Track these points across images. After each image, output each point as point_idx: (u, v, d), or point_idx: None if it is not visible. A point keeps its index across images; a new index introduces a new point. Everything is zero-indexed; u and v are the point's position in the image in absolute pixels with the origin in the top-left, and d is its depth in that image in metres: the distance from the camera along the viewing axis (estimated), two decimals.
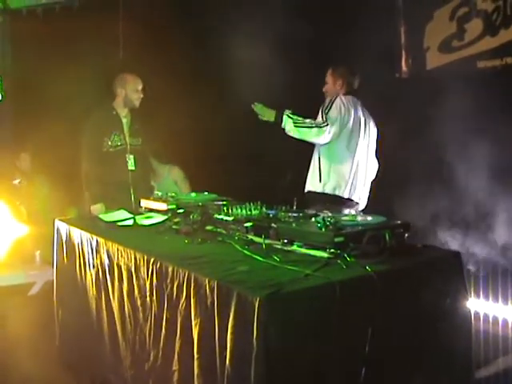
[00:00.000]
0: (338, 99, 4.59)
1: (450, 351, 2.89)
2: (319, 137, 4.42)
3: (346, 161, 4.61)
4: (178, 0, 6.70)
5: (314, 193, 4.68)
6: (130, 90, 5.30)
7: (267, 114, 4.51)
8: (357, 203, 4.71)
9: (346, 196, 4.63)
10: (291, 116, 4.42)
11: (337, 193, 4.60)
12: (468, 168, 4.65)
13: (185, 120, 6.41)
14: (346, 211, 4.42)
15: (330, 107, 4.52)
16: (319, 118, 4.50)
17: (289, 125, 4.40)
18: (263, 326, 2.25)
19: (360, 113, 4.68)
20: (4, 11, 7.49)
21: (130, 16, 7.01)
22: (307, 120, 4.44)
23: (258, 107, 4.52)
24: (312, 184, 4.69)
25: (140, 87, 5.33)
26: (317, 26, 5.42)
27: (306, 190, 4.78)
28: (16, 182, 7.36)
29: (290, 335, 2.32)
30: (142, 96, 5.35)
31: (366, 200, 4.80)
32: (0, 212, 6.23)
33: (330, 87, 4.77)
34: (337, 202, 4.58)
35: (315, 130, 4.38)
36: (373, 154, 4.82)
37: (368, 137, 4.73)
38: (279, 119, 4.43)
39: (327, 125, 4.41)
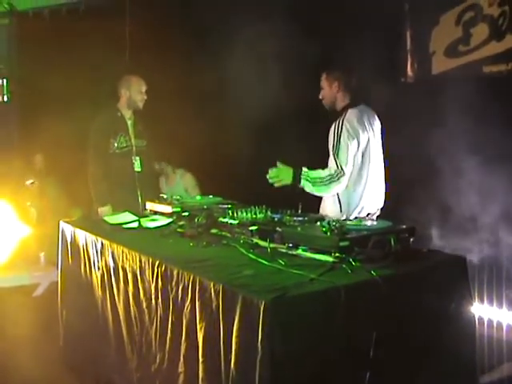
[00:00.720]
0: (344, 126, 4.32)
1: (455, 356, 2.88)
2: (339, 187, 4.28)
3: (362, 183, 4.46)
4: (184, 3, 6.71)
5: None
6: (134, 92, 5.31)
7: (284, 176, 4.19)
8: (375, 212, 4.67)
9: (369, 212, 4.52)
10: (309, 178, 4.20)
11: (359, 215, 4.44)
12: (474, 172, 4.65)
13: (190, 123, 6.41)
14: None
15: (338, 146, 4.26)
16: (332, 164, 4.28)
17: (308, 187, 4.23)
18: (268, 330, 2.25)
19: (366, 121, 4.47)
20: (11, 13, 7.52)
21: (137, 18, 7.03)
22: (323, 175, 4.22)
23: (273, 173, 4.21)
24: (332, 211, 4.49)
25: (144, 89, 5.34)
26: (322, 30, 5.43)
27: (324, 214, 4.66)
28: (29, 182, 7.38)
29: (295, 339, 2.32)
30: (145, 98, 5.36)
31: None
32: (6, 213, 6.25)
33: (327, 92, 4.57)
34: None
35: (334, 184, 4.21)
36: (380, 151, 4.76)
37: (376, 138, 4.60)
38: (297, 182, 4.20)
39: (343, 174, 4.22)
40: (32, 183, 7.39)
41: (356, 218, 4.20)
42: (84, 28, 6.96)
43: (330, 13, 5.49)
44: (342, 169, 4.20)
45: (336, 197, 4.42)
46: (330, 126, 4.40)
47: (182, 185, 6.71)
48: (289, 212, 3.53)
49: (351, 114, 4.38)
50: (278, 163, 4.18)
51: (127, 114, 5.39)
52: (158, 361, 3.05)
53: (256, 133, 5.86)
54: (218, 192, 4.54)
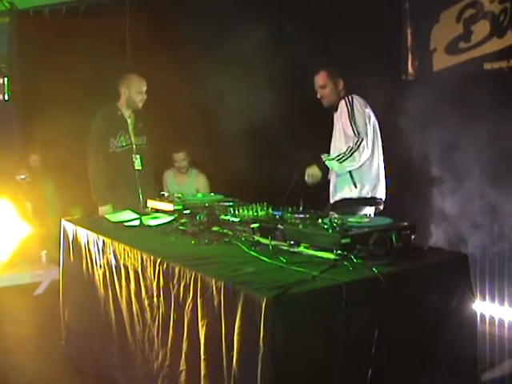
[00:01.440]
0: (354, 100, 4.55)
1: (456, 353, 2.89)
2: (361, 155, 4.41)
3: (373, 163, 4.62)
4: (185, 1, 6.70)
5: (350, 199, 4.64)
6: (134, 91, 5.30)
7: (313, 172, 4.51)
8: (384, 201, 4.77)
9: (379, 196, 4.68)
10: (332, 158, 4.42)
11: (373, 195, 4.65)
12: (476, 168, 4.65)
13: (191, 122, 6.42)
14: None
15: (353, 115, 4.47)
16: (349, 131, 4.45)
17: (336, 166, 4.42)
18: (270, 327, 2.25)
19: (369, 108, 4.66)
20: (11, 12, 7.52)
21: (137, 17, 7.02)
22: (343, 150, 4.42)
23: (306, 176, 4.52)
24: (346, 192, 4.65)
25: (144, 89, 5.33)
26: (322, 28, 5.43)
27: (337, 199, 4.76)
28: (21, 177, 7.38)
29: (297, 336, 2.32)
30: (145, 97, 5.35)
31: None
32: (6, 211, 6.26)
33: (330, 90, 4.65)
34: (373, 204, 4.64)
35: (356, 153, 4.36)
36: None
37: (378, 131, 4.73)
38: (325, 168, 4.48)
39: (362, 140, 4.38)
40: (24, 178, 7.39)
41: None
42: (84, 27, 6.95)
43: (330, 11, 5.48)
44: (359, 135, 4.37)
45: (348, 175, 4.56)
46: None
47: (195, 185, 6.71)
48: (290, 209, 3.52)
49: (358, 98, 4.60)
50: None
51: (127, 113, 5.38)
52: (160, 358, 3.05)
53: (257, 131, 5.85)
54: (219, 189, 4.54)
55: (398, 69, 5.50)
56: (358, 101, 4.55)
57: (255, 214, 3.54)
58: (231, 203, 4.02)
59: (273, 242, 3.09)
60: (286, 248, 3.05)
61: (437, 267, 2.94)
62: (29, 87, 7.30)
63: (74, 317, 4.31)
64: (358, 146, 4.34)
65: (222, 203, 4.00)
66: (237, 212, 3.64)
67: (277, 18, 5.69)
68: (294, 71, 5.18)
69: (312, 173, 4.48)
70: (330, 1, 5.57)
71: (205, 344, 2.64)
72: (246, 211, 3.61)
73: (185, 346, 2.81)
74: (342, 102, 4.56)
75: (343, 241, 2.79)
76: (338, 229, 2.86)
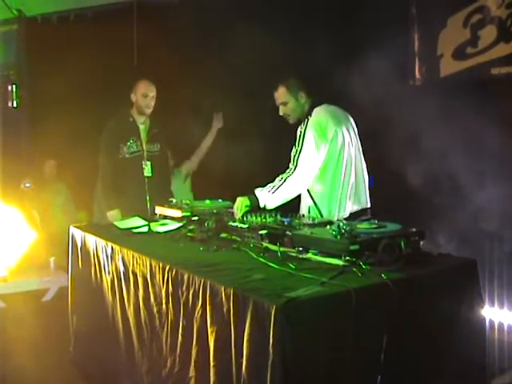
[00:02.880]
0: (315, 118, 4.11)
1: (465, 360, 2.88)
2: (298, 185, 4.02)
3: (339, 183, 4.16)
4: (191, 6, 6.72)
5: None
6: (139, 96, 5.32)
7: (243, 203, 3.90)
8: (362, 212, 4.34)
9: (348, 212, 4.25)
10: (263, 189, 3.97)
11: (340, 217, 4.12)
12: (483, 175, 4.64)
13: (197, 128, 6.44)
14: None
15: (302, 143, 4.02)
16: (291, 161, 4.05)
17: (268, 199, 3.93)
18: (279, 334, 2.26)
19: (336, 117, 4.21)
20: (19, 19, 7.56)
21: (144, 23, 7.05)
22: (276, 180, 3.99)
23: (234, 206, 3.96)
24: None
25: (150, 94, 5.33)
26: (329, 33, 5.43)
27: None
28: (27, 185, 7.40)
29: (306, 343, 2.32)
30: (151, 103, 5.35)
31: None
32: (13, 218, 6.28)
33: (293, 105, 4.23)
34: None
35: (289, 183, 3.95)
36: (360, 149, 4.40)
37: (351, 135, 4.28)
38: (254, 200, 3.92)
39: (295, 169, 3.97)
40: (29, 186, 7.41)
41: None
42: (92, 33, 6.98)
43: (337, 16, 5.50)
44: (295, 163, 3.98)
45: (310, 199, 4.22)
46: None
47: (183, 180, 6.75)
48: (298, 216, 3.52)
49: (317, 112, 4.18)
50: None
51: (140, 119, 5.40)
52: (168, 365, 3.05)
53: (265, 137, 5.87)
54: (226, 196, 4.54)
55: (405, 74, 5.50)
56: (319, 119, 4.12)
57: (263, 220, 3.55)
58: None
59: (281, 249, 3.10)
60: (294, 254, 3.05)
61: (446, 273, 2.94)
62: (37, 94, 7.32)
63: (82, 323, 4.33)
64: (290, 175, 3.95)
65: (230, 209, 4.00)
66: (245, 218, 3.65)
67: (289, 21, 5.70)
68: (308, 76, 5.13)
69: (239, 204, 3.89)
70: (338, 6, 5.59)
71: (214, 351, 2.64)
72: (254, 218, 3.62)
73: (194, 352, 2.81)
74: (299, 127, 4.16)
75: (352, 247, 2.79)
76: (346, 235, 2.86)
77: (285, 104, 4.24)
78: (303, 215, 3.77)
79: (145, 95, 5.31)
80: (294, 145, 4.08)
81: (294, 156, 4.02)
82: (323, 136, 4.03)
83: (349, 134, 4.22)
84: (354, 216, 4.11)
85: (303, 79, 4.32)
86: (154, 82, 5.42)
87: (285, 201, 4.03)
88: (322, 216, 4.13)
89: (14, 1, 7.23)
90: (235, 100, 6.26)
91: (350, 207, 4.21)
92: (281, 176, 3.99)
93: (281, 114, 4.30)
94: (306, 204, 4.26)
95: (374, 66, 4.91)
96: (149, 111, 5.37)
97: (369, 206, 4.35)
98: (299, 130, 4.14)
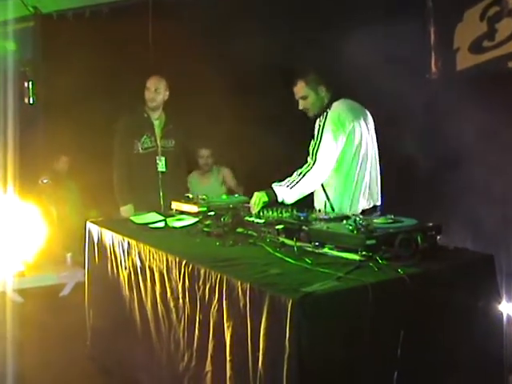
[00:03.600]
0: (332, 114, 4.08)
1: (482, 355, 2.87)
2: (316, 179, 4.00)
3: (353, 178, 4.15)
4: (207, 2, 6.72)
5: None
6: (145, 90, 5.34)
7: (260, 198, 3.89)
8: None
9: (361, 209, 4.22)
10: (281, 184, 3.96)
11: (354, 212, 4.07)
12: (499, 168, 4.61)
13: (213, 121, 6.44)
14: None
15: (321, 137, 4.01)
16: (310, 154, 4.04)
17: (286, 194, 3.92)
18: (296, 328, 2.26)
19: (354, 112, 4.20)
20: (35, 16, 7.60)
21: (160, 19, 7.05)
22: (294, 174, 3.98)
23: (251, 201, 3.94)
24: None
25: (152, 87, 5.34)
26: (345, 27, 5.41)
27: None
28: (44, 181, 7.46)
29: (323, 337, 2.32)
30: (152, 96, 5.34)
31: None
32: (31, 214, 6.33)
33: (313, 99, 4.22)
34: None
35: (307, 178, 3.94)
36: (375, 145, 4.38)
37: (369, 131, 4.28)
38: (272, 195, 3.91)
39: (314, 163, 3.96)
40: (46, 182, 7.47)
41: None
42: (108, 30, 7.01)
43: (352, 10, 5.47)
44: (313, 158, 3.98)
45: (324, 195, 4.21)
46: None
47: (220, 181, 6.81)
48: (315, 210, 3.52)
49: (336, 106, 4.17)
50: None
51: (154, 115, 5.42)
52: (186, 359, 3.06)
53: (282, 131, 5.85)
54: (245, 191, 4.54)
55: (421, 68, 5.46)
56: (340, 111, 4.12)
57: (280, 215, 3.55)
58: None
59: (298, 244, 3.09)
60: (310, 249, 3.04)
61: (462, 268, 2.93)
62: (53, 90, 7.35)
63: (99, 318, 4.35)
64: (309, 170, 3.96)
65: (246, 204, 4.01)
66: (261, 213, 3.65)
67: (305, 18, 5.69)
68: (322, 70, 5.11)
69: (256, 199, 3.89)
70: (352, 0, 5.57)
71: (230, 345, 2.65)
72: (270, 212, 3.62)
73: (210, 347, 2.83)
74: (318, 120, 4.16)
75: (368, 242, 2.78)
76: (363, 230, 2.85)
77: (304, 98, 4.23)
78: (319, 210, 3.76)
79: (147, 88, 5.33)
80: (312, 138, 4.08)
81: (313, 150, 4.02)
82: (342, 129, 4.02)
83: (367, 129, 4.21)
84: (365, 213, 4.08)
85: (321, 73, 4.31)
86: (169, 77, 5.43)
87: (303, 195, 4.03)
88: (333, 211, 4.13)
89: None
90: (252, 96, 6.25)
91: (363, 204, 4.20)
92: (299, 171, 3.98)
93: (300, 108, 4.28)
94: (319, 198, 4.25)
95: (390, 59, 4.90)
96: (152, 104, 5.36)
97: (379, 203, 4.33)
98: (317, 123, 4.13)
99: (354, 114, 4.15)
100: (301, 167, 4.00)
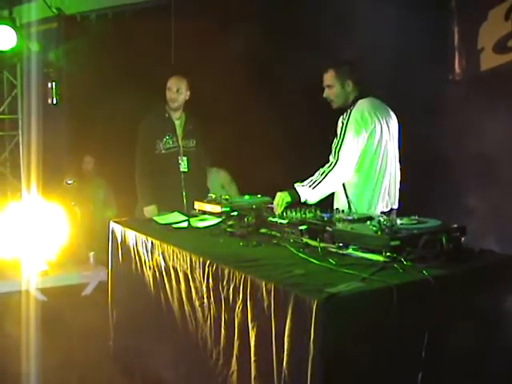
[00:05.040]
0: (355, 113, 4.06)
1: (508, 358, 2.85)
2: (338, 179, 4.00)
3: (373, 179, 4.14)
4: (229, 4, 6.74)
5: None
6: (166, 90, 5.36)
7: (283, 198, 3.89)
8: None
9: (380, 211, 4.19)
10: (303, 184, 3.95)
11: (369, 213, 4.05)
12: None
13: (236, 121, 6.46)
14: None
15: (344, 136, 4.00)
16: (332, 153, 4.03)
17: (309, 194, 3.92)
18: (320, 329, 2.26)
19: (378, 112, 4.15)
20: (59, 17, 7.66)
21: (182, 21, 7.08)
22: (316, 174, 3.98)
23: (274, 202, 3.94)
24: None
25: (173, 87, 5.35)
26: (367, 26, 5.39)
27: None
28: (69, 182, 7.53)
29: (347, 338, 2.32)
30: (174, 96, 5.35)
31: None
32: (55, 213, 6.39)
33: (338, 92, 4.17)
34: None
35: (329, 178, 3.94)
36: (396, 147, 4.35)
37: (391, 133, 4.25)
38: (296, 195, 3.91)
39: (337, 162, 3.96)
40: (71, 183, 7.54)
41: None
42: (130, 31, 7.05)
43: (376, 10, 5.45)
44: (337, 159, 3.97)
45: (344, 194, 4.20)
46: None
47: (219, 182, 6.75)
48: (338, 211, 3.51)
49: (361, 104, 4.14)
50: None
51: (175, 115, 5.44)
52: (213, 358, 3.06)
53: (298, 131, 5.86)
54: (266, 192, 4.54)
55: (444, 68, 5.44)
56: (361, 110, 4.09)
57: (303, 215, 3.54)
58: None
59: (321, 244, 3.09)
60: (334, 250, 3.04)
61: (488, 270, 2.91)
62: (77, 91, 7.42)
63: (122, 317, 4.37)
64: (331, 170, 3.95)
65: (269, 205, 4.01)
66: (285, 214, 3.65)
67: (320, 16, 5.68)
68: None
69: (279, 199, 3.89)
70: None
71: (255, 345, 2.66)
72: (293, 213, 3.62)
73: (236, 347, 2.83)
74: (341, 117, 4.15)
75: (393, 243, 2.77)
76: (387, 231, 2.85)
77: (330, 87, 4.23)
78: (343, 210, 3.75)
79: (168, 88, 5.35)
80: (336, 136, 4.07)
81: (336, 148, 4.01)
82: (364, 127, 4.01)
83: (388, 130, 4.18)
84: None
85: (354, 68, 4.29)
86: (191, 78, 5.45)
87: (326, 195, 4.03)
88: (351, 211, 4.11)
89: (53, 0, 7.34)
90: (271, 96, 6.26)
91: (381, 206, 4.18)
92: (321, 170, 3.98)
93: (324, 95, 4.27)
94: (339, 198, 4.24)
95: (413, 60, 4.88)
96: (174, 105, 5.38)
97: (396, 206, 4.30)
98: (341, 120, 4.12)
99: (377, 113, 4.12)
100: (322, 166, 4.00)
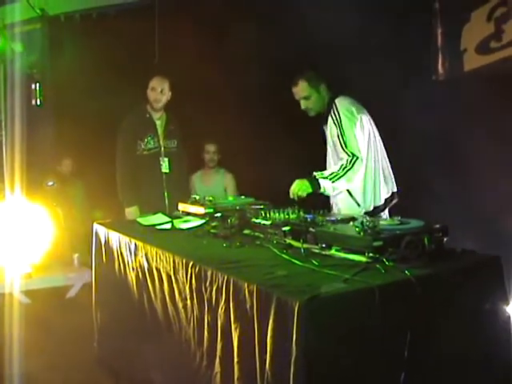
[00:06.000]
0: (341, 108, 4.18)
1: (489, 357, 2.85)
2: (357, 175, 4.09)
3: (369, 172, 4.25)
4: (213, 6, 6.73)
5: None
6: (149, 90, 5.36)
7: (303, 187, 4.01)
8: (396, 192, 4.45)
9: (380, 202, 4.34)
10: (324, 177, 4.05)
11: (375, 204, 4.31)
12: (507, 168, 4.60)
13: (218, 124, 6.45)
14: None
15: (344, 135, 4.11)
16: (341, 150, 4.13)
17: (328, 186, 4.04)
18: (302, 330, 2.26)
19: (358, 105, 4.29)
20: (42, 18, 7.62)
21: (166, 22, 7.07)
22: (336, 168, 4.08)
23: (293, 189, 4.04)
24: (352, 212, 4.19)
25: (158, 88, 5.35)
26: (351, 27, 5.41)
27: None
28: (50, 184, 7.49)
29: (329, 339, 2.32)
30: (158, 97, 5.35)
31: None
32: (37, 215, 6.35)
33: (315, 98, 4.27)
34: (374, 213, 4.29)
35: (350, 173, 4.04)
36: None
37: (372, 124, 4.36)
38: (316, 186, 4.02)
39: (356, 159, 4.05)
40: (52, 185, 7.50)
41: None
42: (115, 32, 7.03)
43: (359, 10, 5.46)
44: (353, 154, 4.06)
45: (348, 194, 4.28)
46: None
47: (223, 184, 6.74)
48: (321, 212, 3.52)
49: (340, 101, 4.24)
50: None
51: (156, 115, 5.42)
52: (197, 360, 3.06)
53: (286, 133, 5.86)
54: (251, 192, 4.55)
55: (428, 69, 5.46)
56: (345, 106, 4.21)
57: (286, 216, 3.55)
58: (262, 206, 4.04)
59: (304, 245, 3.09)
60: (317, 251, 3.04)
61: (470, 270, 2.92)
62: (61, 92, 7.39)
63: (106, 319, 4.36)
64: (353, 165, 4.04)
65: (252, 206, 4.02)
66: (268, 215, 3.65)
67: (311, 19, 5.68)
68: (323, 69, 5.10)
69: (299, 187, 4.02)
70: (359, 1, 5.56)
71: (238, 347, 2.65)
72: (277, 214, 3.62)
73: (219, 348, 2.83)
74: (330, 119, 4.24)
75: (375, 243, 2.78)
76: (369, 231, 2.85)
77: (307, 98, 4.29)
78: (326, 211, 3.76)
79: (152, 89, 5.34)
80: (339, 138, 4.14)
81: (345, 147, 4.09)
82: (355, 118, 4.15)
83: (369, 120, 4.30)
84: (387, 202, 4.33)
85: (321, 72, 4.34)
86: (175, 78, 5.44)
87: (343, 189, 4.19)
88: (358, 205, 4.26)
89: (37, 0, 7.29)
90: (259, 96, 6.27)
91: (384, 193, 4.33)
92: (342, 165, 4.07)
93: (303, 107, 4.33)
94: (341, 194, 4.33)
95: (396, 61, 4.89)
96: (157, 105, 5.38)
97: (395, 189, 4.43)
98: (331, 124, 4.22)
99: (358, 108, 4.24)
100: (320, 168, 4.16)
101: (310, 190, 4.01)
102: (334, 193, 4.20)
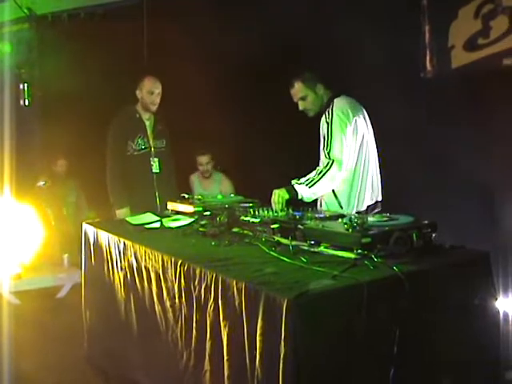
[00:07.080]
0: (336, 110, 4.13)
1: (479, 352, 2.87)
2: (334, 179, 4.03)
3: (358, 175, 4.22)
4: (201, 3, 6.71)
5: None
6: (145, 93, 5.31)
7: (281, 195, 3.93)
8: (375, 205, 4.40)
9: (363, 208, 4.29)
10: (301, 182, 3.99)
11: (358, 209, 4.26)
12: (495, 167, 4.61)
13: (212, 123, 6.44)
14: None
15: (331, 135, 4.06)
16: (322, 157, 4.12)
17: (305, 192, 3.97)
18: (291, 327, 2.26)
19: (356, 107, 4.26)
20: (30, 18, 7.59)
21: (154, 20, 7.05)
22: (312, 173, 4.03)
23: (272, 199, 3.95)
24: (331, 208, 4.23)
25: (156, 91, 5.31)
26: (340, 25, 5.41)
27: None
28: (41, 183, 7.47)
29: (318, 336, 2.32)
30: (157, 100, 5.33)
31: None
32: (27, 215, 6.32)
33: (312, 99, 4.23)
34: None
35: (327, 177, 3.98)
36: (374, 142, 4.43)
37: (369, 127, 4.35)
38: (293, 192, 3.95)
39: (333, 162, 3.99)
40: (44, 184, 7.48)
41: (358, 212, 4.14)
42: (102, 31, 7.01)
43: (347, 8, 5.47)
44: (330, 158, 4.02)
45: (333, 196, 4.24)
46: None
47: (219, 190, 6.72)
48: (310, 209, 3.52)
49: (338, 102, 4.21)
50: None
51: (145, 115, 5.40)
52: (185, 358, 3.06)
53: (277, 132, 5.86)
54: (240, 190, 4.54)
55: (416, 66, 5.46)
56: (341, 106, 4.16)
57: (275, 214, 3.55)
58: (251, 204, 4.03)
59: (293, 243, 3.10)
60: (306, 248, 3.05)
61: (458, 265, 2.93)
62: (49, 92, 7.36)
63: (95, 319, 4.34)
64: (329, 169, 3.98)
65: (241, 204, 4.02)
66: (257, 213, 3.65)
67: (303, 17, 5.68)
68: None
69: (277, 197, 3.92)
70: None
71: (227, 344, 2.65)
72: (266, 212, 3.62)
73: (208, 346, 2.83)
74: (323, 117, 4.20)
75: (364, 240, 2.78)
76: (358, 228, 2.86)
77: (304, 98, 4.26)
78: (314, 208, 3.76)
79: (150, 92, 5.30)
80: (324, 137, 4.11)
81: (328, 149, 4.05)
82: (348, 122, 4.09)
83: (366, 124, 4.27)
84: (369, 209, 4.23)
85: (316, 72, 4.32)
86: (164, 79, 5.42)
87: (322, 194, 4.14)
88: (341, 207, 4.20)
89: (24, 0, 7.26)
90: (250, 97, 6.26)
91: (367, 200, 4.27)
92: (319, 169, 4.03)
93: (300, 108, 4.31)
94: (327, 195, 4.28)
95: (384, 58, 4.90)
96: (154, 108, 5.35)
97: (380, 198, 4.36)
98: (323, 121, 4.18)
99: (355, 109, 4.20)
100: (314, 168, 4.06)
101: (287, 197, 3.92)
102: (316, 197, 4.13)
